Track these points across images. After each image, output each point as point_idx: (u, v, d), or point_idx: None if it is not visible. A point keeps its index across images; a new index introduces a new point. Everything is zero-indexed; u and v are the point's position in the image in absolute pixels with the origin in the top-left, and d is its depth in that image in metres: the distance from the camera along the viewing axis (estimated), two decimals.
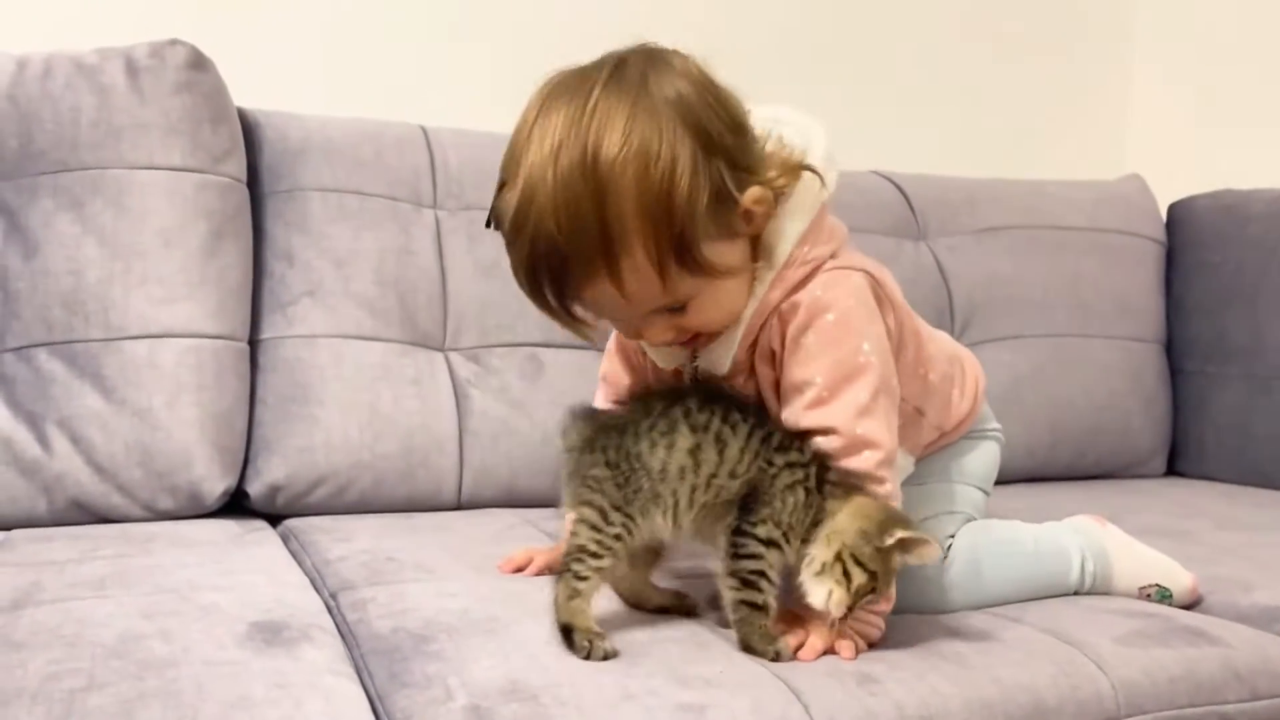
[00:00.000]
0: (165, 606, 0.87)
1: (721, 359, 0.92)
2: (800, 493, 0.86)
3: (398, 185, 1.46)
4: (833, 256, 0.91)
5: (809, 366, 0.88)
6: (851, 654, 0.87)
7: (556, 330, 1.49)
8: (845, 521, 0.85)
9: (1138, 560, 1.07)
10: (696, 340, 0.93)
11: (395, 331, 1.40)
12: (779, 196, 0.89)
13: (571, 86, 0.86)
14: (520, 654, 0.81)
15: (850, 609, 0.84)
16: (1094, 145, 2.19)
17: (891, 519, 0.85)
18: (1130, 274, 1.82)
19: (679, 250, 0.83)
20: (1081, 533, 1.08)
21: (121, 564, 1.00)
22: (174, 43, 1.34)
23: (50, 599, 0.88)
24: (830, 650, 0.87)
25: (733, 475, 0.86)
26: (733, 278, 0.88)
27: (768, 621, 0.85)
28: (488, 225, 0.90)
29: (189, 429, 1.24)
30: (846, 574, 0.83)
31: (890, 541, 0.83)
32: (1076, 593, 1.05)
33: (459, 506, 1.38)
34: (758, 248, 0.90)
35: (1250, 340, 1.72)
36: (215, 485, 1.25)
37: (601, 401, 1.08)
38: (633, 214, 0.81)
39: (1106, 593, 1.06)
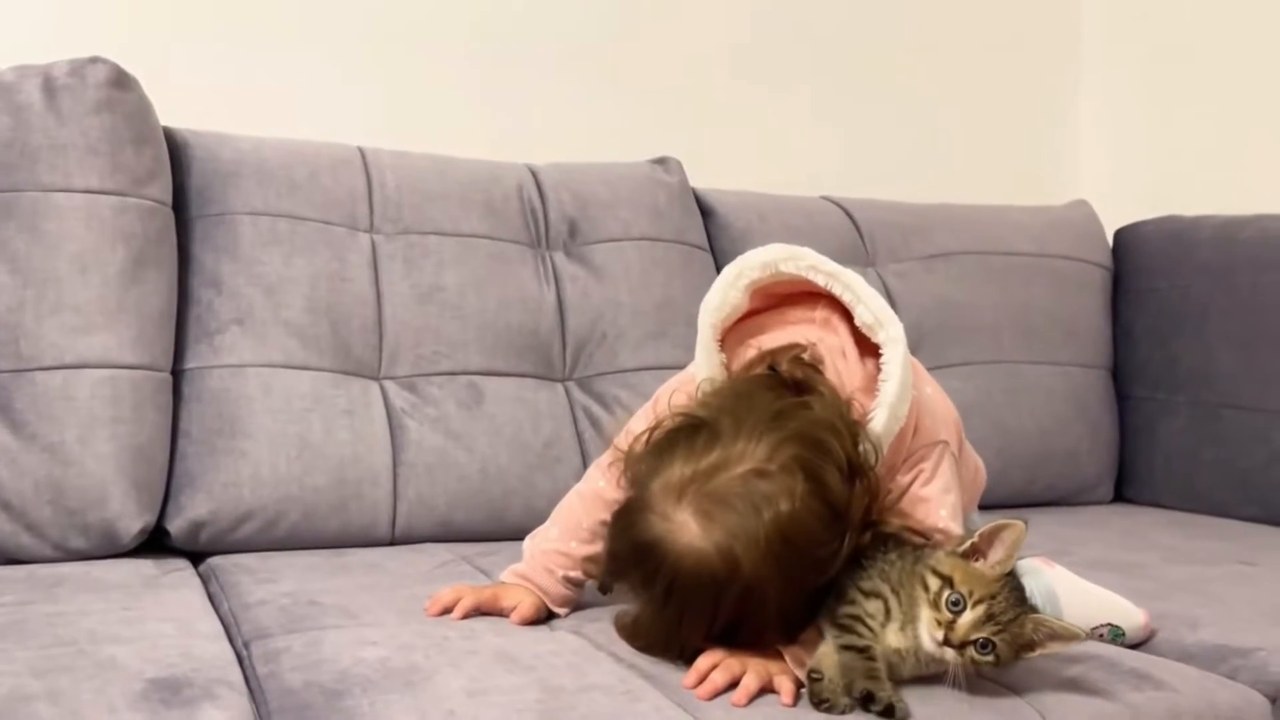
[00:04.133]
0: (60, 662, 0.81)
1: None
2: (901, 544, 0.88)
3: (332, 208, 1.42)
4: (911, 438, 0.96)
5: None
6: (790, 699, 0.84)
7: (497, 358, 1.48)
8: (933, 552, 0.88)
9: (1088, 600, 1.05)
10: None
11: (328, 360, 1.35)
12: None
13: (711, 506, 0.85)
14: (438, 710, 0.76)
15: (949, 625, 0.82)
16: (1043, 171, 2.19)
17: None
18: (1077, 300, 1.81)
19: None
20: (1029, 574, 1.05)
21: (21, 612, 0.94)
22: (95, 60, 1.29)
23: None
24: (768, 688, 0.84)
25: None
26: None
27: (876, 664, 0.83)
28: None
29: (104, 464, 1.18)
30: (925, 585, 0.84)
31: (965, 547, 0.84)
32: None
33: (393, 541, 1.33)
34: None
35: (1198, 367, 1.71)
36: (131, 523, 1.19)
37: (610, 483, 1.06)
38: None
39: None
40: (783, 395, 0.90)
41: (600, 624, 0.98)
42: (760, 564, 0.82)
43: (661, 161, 1.67)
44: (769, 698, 0.84)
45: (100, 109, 1.27)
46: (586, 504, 1.03)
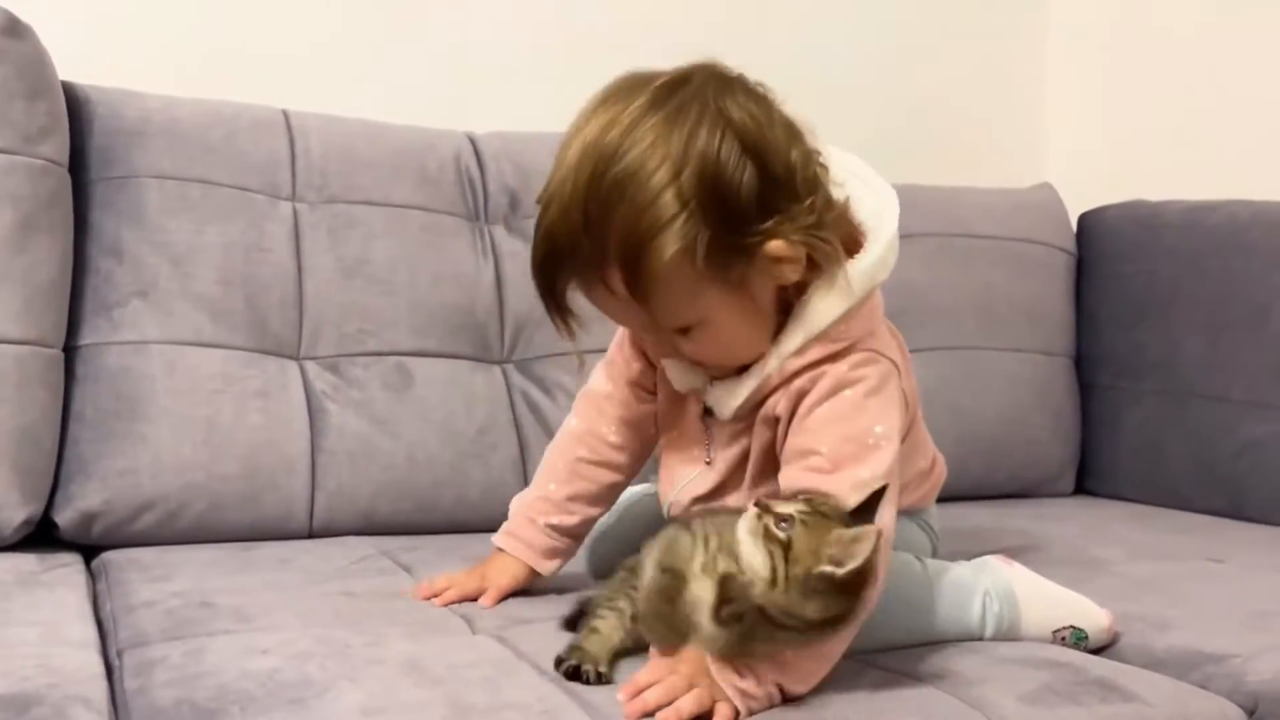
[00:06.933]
0: None
1: (727, 403, 0.92)
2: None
3: (250, 174, 1.32)
4: (870, 335, 0.89)
5: (817, 435, 0.86)
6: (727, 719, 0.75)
7: (428, 338, 1.39)
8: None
9: (1048, 601, 0.98)
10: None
11: (241, 338, 1.25)
12: (818, 260, 0.86)
13: (623, 91, 0.87)
14: None
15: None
16: (1007, 153, 2.12)
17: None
18: (1040, 285, 1.75)
19: (653, 288, 0.81)
20: (986, 571, 0.98)
21: None
22: None
23: None
24: (707, 715, 0.75)
25: None
26: (733, 324, 0.86)
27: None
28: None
29: None
30: (768, 532, 0.75)
31: (796, 509, 0.75)
32: (980, 638, 0.95)
33: (311, 534, 1.23)
34: (794, 302, 0.88)
35: (1163, 355, 1.66)
36: (13, 514, 1.08)
37: (580, 417, 1.02)
38: (614, 244, 0.81)
39: (1015, 638, 0.95)
40: None
41: (527, 628, 0.90)
42: (663, 152, 0.80)
43: None
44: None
45: None
46: (560, 445, 1.02)
